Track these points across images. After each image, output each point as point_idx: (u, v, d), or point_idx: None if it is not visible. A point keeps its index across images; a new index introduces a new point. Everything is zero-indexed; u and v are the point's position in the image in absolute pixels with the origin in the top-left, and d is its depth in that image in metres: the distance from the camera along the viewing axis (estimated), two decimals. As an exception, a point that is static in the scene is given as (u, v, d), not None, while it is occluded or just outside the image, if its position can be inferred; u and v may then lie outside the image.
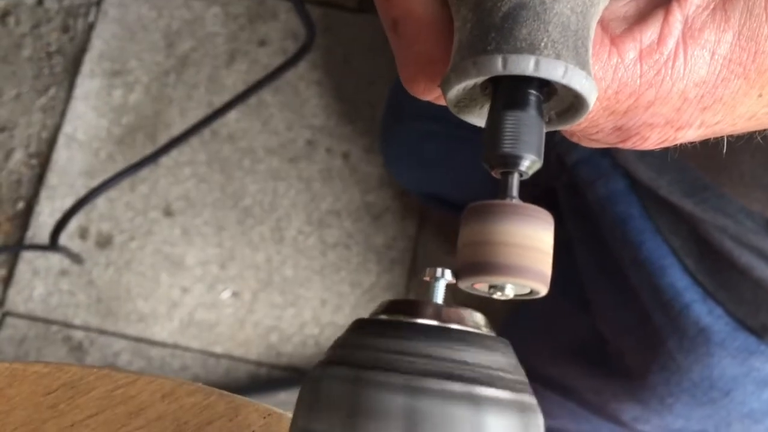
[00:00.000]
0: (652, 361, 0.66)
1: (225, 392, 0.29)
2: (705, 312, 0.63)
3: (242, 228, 1.15)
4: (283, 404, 1.16)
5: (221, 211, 1.16)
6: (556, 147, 0.68)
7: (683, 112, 0.28)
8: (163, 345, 1.11)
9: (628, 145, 0.29)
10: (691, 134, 0.29)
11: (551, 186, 0.77)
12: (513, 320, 0.93)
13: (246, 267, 1.14)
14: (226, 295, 1.13)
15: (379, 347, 0.23)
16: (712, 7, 0.26)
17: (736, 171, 0.56)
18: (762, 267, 0.60)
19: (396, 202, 1.16)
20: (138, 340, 1.12)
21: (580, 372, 0.76)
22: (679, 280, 0.64)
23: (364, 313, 0.94)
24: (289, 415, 0.29)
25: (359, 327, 0.25)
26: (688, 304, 0.64)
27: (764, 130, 0.31)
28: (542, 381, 0.77)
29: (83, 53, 1.22)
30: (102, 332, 1.12)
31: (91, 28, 1.23)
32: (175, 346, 1.11)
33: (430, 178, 0.97)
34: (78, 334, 1.12)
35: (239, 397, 0.29)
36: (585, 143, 0.30)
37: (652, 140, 0.29)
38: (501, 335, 0.82)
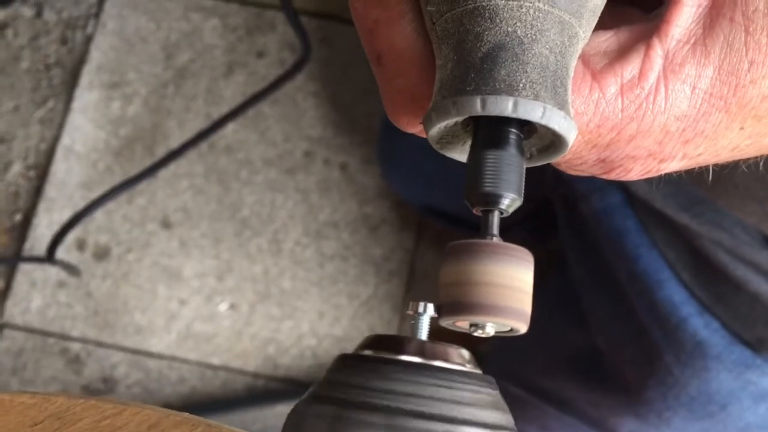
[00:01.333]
0: (650, 375, 0.66)
1: (212, 422, 0.28)
2: (701, 325, 0.63)
3: (240, 240, 1.15)
4: (280, 416, 1.15)
5: (219, 222, 1.16)
6: (551, 162, 0.68)
7: (665, 146, 0.28)
8: (160, 357, 1.11)
9: (612, 176, 0.29)
10: (674, 166, 0.29)
11: (548, 198, 0.77)
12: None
13: (243, 279, 1.14)
14: (223, 307, 1.13)
15: (362, 385, 0.23)
16: (692, 41, 0.26)
17: (730, 184, 0.56)
18: (757, 281, 0.59)
19: (394, 213, 1.16)
20: (135, 352, 1.12)
21: (577, 385, 0.76)
22: (675, 294, 0.64)
23: (362, 325, 0.94)
24: (276, 444, 0.29)
25: (343, 363, 0.25)
26: (685, 317, 0.64)
27: (748, 158, 0.31)
28: (540, 394, 0.77)
29: (82, 65, 1.22)
30: (99, 344, 1.12)
31: (89, 40, 1.24)
32: (173, 358, 1.11)
33: (428, 191, 0.97)
34: (75, 346, 1.12)
35: (226, 426, 0.28)
36: (570, 173, 0.31)
37: (635, 172, 0.29)
38: (499, 348, 0.82)
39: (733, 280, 0.60)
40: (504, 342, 0.88)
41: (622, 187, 0.65)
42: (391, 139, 0.95)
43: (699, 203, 0.59)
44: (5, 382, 1.11)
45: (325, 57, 1.22)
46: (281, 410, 1.07)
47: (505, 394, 0.26)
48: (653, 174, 0.30)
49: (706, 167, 0.31)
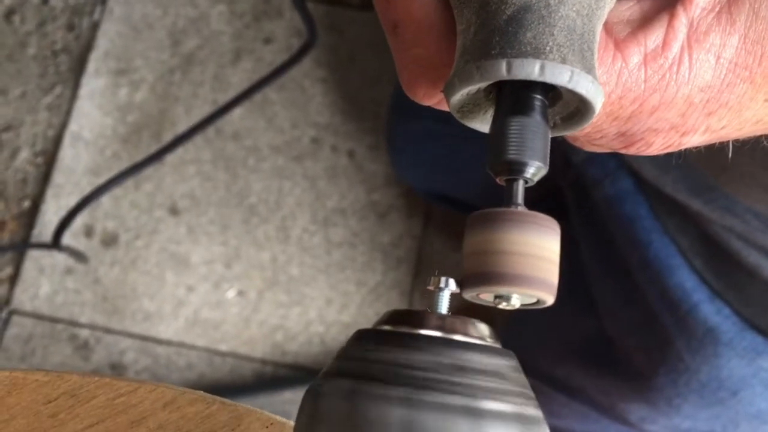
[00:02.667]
0: (660, 361, 0.66)
1: (227, 401, 0.28)
2: (713, 312, 0.63)
3: (247, 227, 1.15)
4: (288, 403, 1.15)
5: (226, 209, 1.16)
6: (561, 146, 0.67)
7: (688, 117, 0.27)
8: (168, 343, 1.12)
9: (632, 151, 0.29)
10: (696, 139, 0.29)
11: (557, 184, 0.76)
12: (520, 319, 0.92)
13: (251, 266, 1.14)
14: (231, 293, 1.13)
15: (381, 359, 0.23)
16: (717, 9, 0.26)
17: (737, 171, 0.55)
18: (770, 267, 0.59)
19: (401, 200, 1.16)
20: (144, 338, 1.12)
21: (586, 372, 0.76)
22: (686, 280, 0.64)
23: (370, 312, 0.93)
24: (292, 423, 0.29)
25: (361, 338, 0.24)
26: (696, 304, 0.63)
27: None
28: (549, 381, 0.77)
29: (88, 52, 1.22)
30: (108, 331, 1.12)
31: (96, 26, 1.23)
32: (181, 345, 1.11)
33: (436, 177, 0.97)
34: (84, 333, 1.12)
35: (242, 405, 0.28)
36: (588, 148, 0.30)
37: (657, 145, 0.28)
38: (508, 334, 0.82)
39: (746, 267, 0.60)
40: (513, 326, 0.87)
41: (633, 172, 0.65)
42: (399, 125, 0.94)
43: (710, 189, 0.59)
44: (15, 368, 1.11)
45: (332, 43, 1.21)
46: (289, 397, 1.07)
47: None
48: (674, 148, 0.29)
49: (726, 144, 0.31)
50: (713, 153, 0.31)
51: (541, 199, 0.84)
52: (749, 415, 0.65)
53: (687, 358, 0.64)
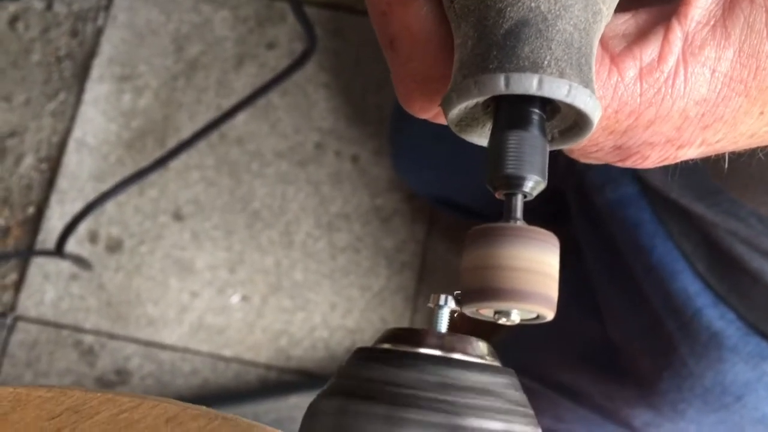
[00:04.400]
0: (664, 366, 0.66)
1: (229, 415, 0.28)
2: (717, 316, 0.63)
3: (251, 232, 1.15)
4: (293, 408, 1.15)
5: (230, 214, 1.16)
6: (564, 151, 0.67)
7: (684, 131, 0.27)
8: (173, 349, 1.12)
9: (628, 164, 0.29)
10: (692, 152, 0.29)
11: (560, 189, 0.77)
12: (525, 326, 0.92)
13: (255, 271, 1.14)
14: (235, 299, 1.13)
15: (372, 377, 0.23)
16: (712, 23, 0.26)
17: (744, 173, 0.55)
18: (774, 272, 0.59)
19: (405, 204, 1.16)
20: (148, 344, 1.12)
21: (591, 377, 0.76)
22: (690, 285, 0.64)
23: (374, 317, 0.93)
24: (294, 437, 0.29)
25: (358, 356, 0.24)
26: (700, 308, 0.63)
27: (766, 146, 0.30)
28: (553, 386, 0.77)
29: (92, 58, 1.22)
30: (112, 336, 1.12)
31: (100, 32, 1.24)
32: (185, 350, 1.12)
33: (439, 181, 0.97)
34: (88, 339, 1.12)
35: (244, 420, 0.28)
36: (584, 160, 0.30)
37: (653, 159, 0.28)
38: (513, 341, 0.81)
39: (750, 272, 0.60)
40: (517, 334, 0.87)
41: (637, 177, 0.65)
42: (402, 130, 0.94)
43: (714, 193, 0.59)
44: (20, 375, 1.11)
45: (335, 48, 1.22)
46: (294, 402, 1.07)
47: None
48: (670, 161, 0.29)
49: (722, 155, 0.31)
50: (718, 157, 0.32)
51: (545, 203, 0.84)
52: (754, 420, 0.65)
53: (691, 362, 0.64)
